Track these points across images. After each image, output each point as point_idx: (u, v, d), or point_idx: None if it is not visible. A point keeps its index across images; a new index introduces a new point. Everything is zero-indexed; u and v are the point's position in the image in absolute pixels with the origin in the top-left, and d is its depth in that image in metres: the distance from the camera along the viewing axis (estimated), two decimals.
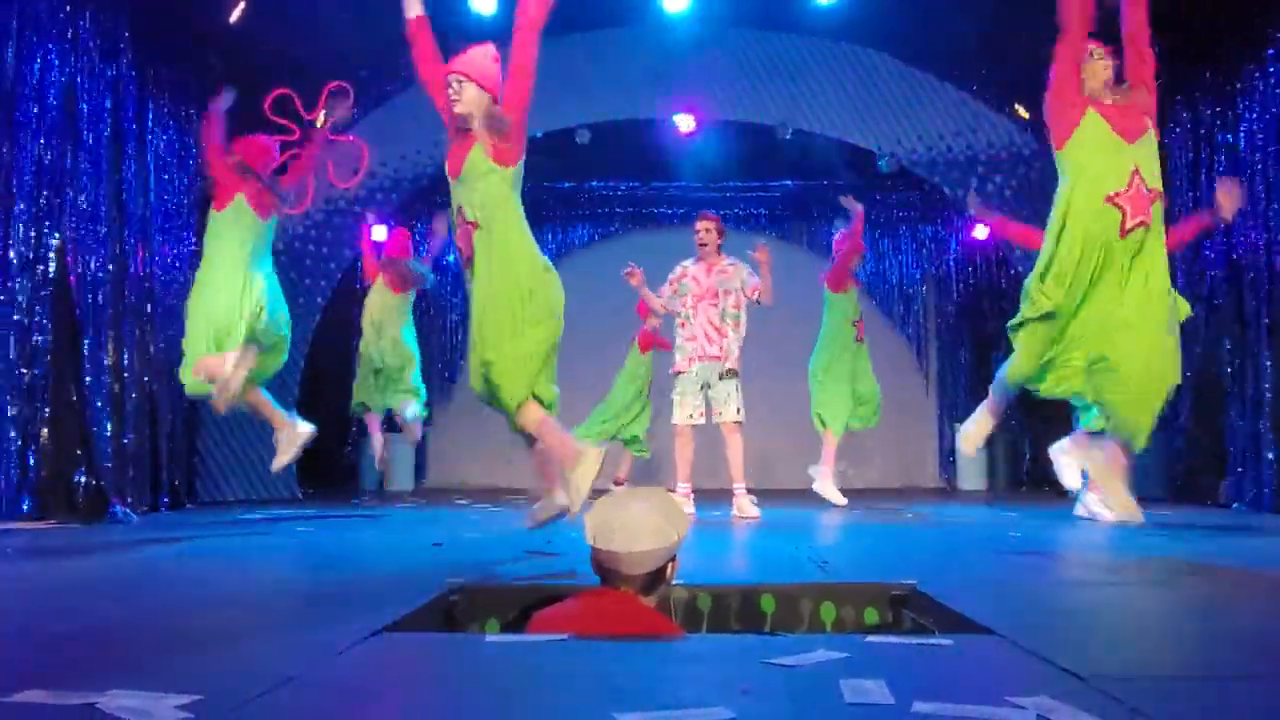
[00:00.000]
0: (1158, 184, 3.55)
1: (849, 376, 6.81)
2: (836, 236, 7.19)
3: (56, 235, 5.56)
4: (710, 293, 6.03)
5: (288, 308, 5.33)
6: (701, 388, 5.97)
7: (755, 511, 5.75)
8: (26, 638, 2.13)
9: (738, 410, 5.91)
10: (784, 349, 8.65)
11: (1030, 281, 3.70)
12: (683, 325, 6.05)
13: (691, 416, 5.94)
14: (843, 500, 6.67)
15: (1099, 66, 3.74)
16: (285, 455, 5.14)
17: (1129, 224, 3.47)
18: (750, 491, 5.93)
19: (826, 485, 6.75)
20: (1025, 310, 3.67)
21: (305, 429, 5.22)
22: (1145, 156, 3.56)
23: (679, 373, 6.01)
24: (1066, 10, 3.77)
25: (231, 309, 4.94)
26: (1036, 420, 9.74)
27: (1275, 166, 6.17)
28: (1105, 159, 3.55)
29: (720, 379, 5.93)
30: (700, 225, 6.14)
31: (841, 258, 6.86)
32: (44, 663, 1.82)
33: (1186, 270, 7.19)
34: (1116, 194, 3.49)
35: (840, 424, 6.79)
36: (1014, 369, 3.79)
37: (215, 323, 4.94)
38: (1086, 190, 3.55)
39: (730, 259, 6.15)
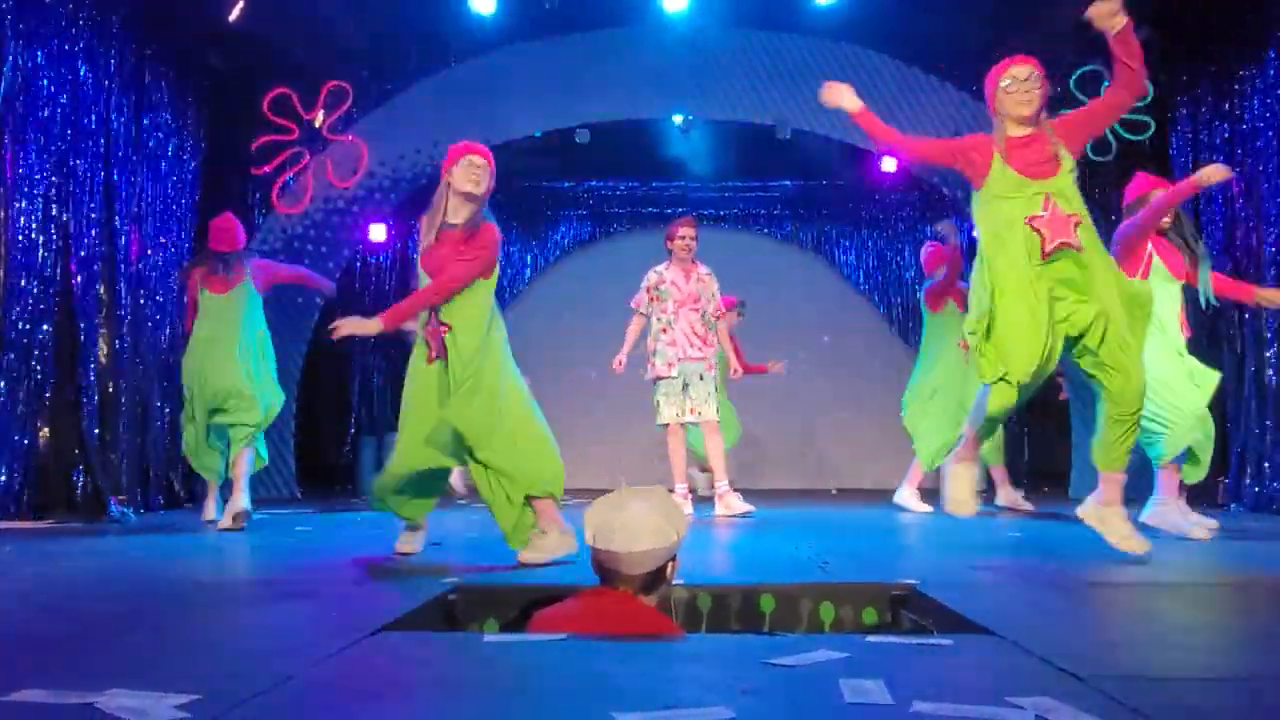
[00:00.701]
0: (1077, 208, 3.46)
1: (957, 404, 6.01)
2: (928, 250, 6.68)
3: (56, 235, 5.56)
4: (691, 298, 6.04)
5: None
6: (683, 388, 5.97)
7: (746, 506, 5.72)
8: (25, 637, 2.12)
9: (716, 410, 5.95)
10: (773, 350, 8.67)
11: (970, 326, 3.58)
12: (664, 330, 6.02)
13: (679, 415, 5.94)
14: (926, 508, 6.27)
15: (1020, 99, 3.58)
16: (226, 522, 5.02)
17: (1048, 247, 3.39)
18: (736, 490, 5.94)
19: (906, 494, 6.49)
20: (981, 369, 3.54)
21: (245, 513, 5.10)
22: (1059, 188, 3.47)
23: (660, 377, 5.98)
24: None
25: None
26: (1036, 419, 9.74)
27: (1276, 167, 6.18)
28: (1017, 196, 3.50)
29: (700, 379, 5.95)
30: (688, 231, 6.10)
31: (947, 276, 6.28)
32: (43, 662, 1.82)
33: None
34: (1033, 217, 3.42)
35: (930, 457, 6.30)
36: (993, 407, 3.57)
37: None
38: (1004, 222, 3.49)
39: (705, 268, 6.16)
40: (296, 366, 7.99)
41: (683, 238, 6.08)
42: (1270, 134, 6.24)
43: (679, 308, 6.02)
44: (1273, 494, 6.06)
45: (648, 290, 6.13)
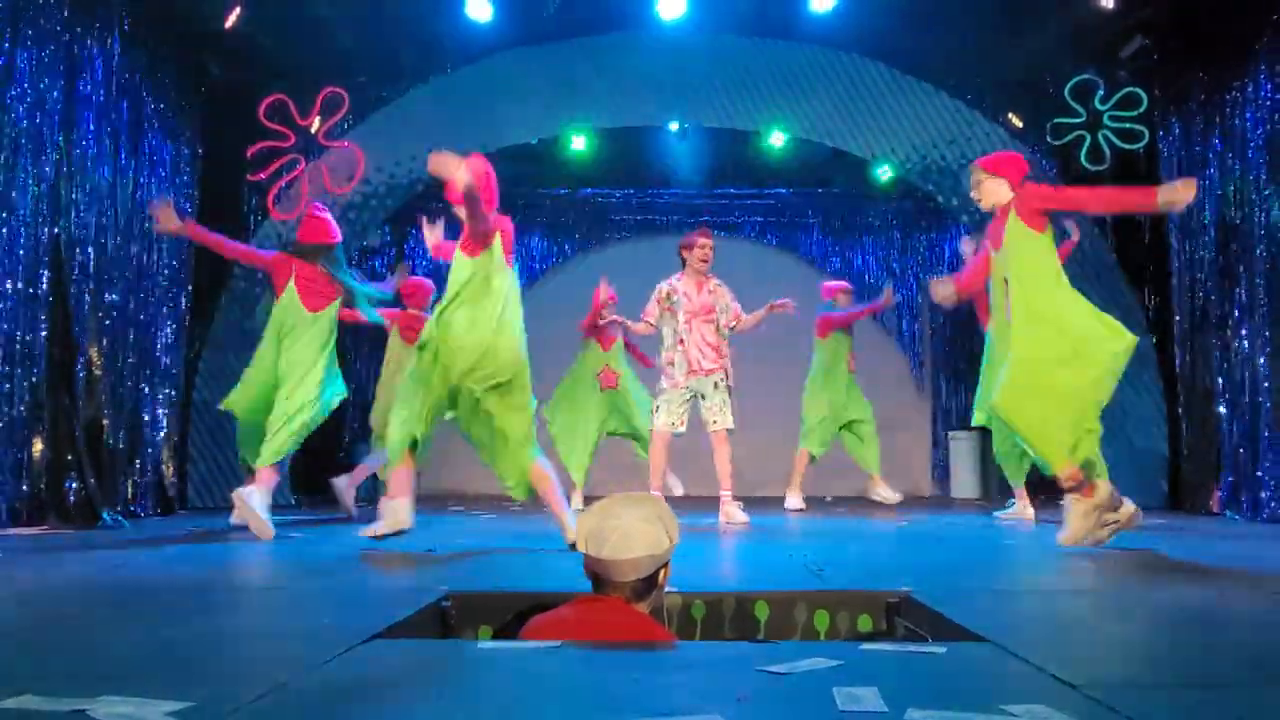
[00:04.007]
0: None
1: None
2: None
3: (51, 241, 5.55)
4: (705, 309, 6.05)
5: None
6: (691, 398, 6.00)
7: (744, 517, 5.81)
8: (18, 643, 2.12)
9: (731, 419, 5.97)
10: (773, 357, 8.68)
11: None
12: (680, 342, 6.02)
13: (674, 424, 5.96)
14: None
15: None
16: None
17: None
18: (738, 499, 5.99)
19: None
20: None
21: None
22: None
23: (676, 387, 6.00)
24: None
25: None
26: None
27: (1266, 174, 6.20)
28: None
29: (715, 389, 5.97)
30: (706, 242, 6.12)
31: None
32: (35, 668, 1.81)
33: (1180, 277, 7.22)
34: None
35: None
36: None
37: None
38: None
39: (716, 279, 6.19)
40: None
41: (701, 248, 6.10)
42: (1261, 140, 6.27)
43: (691, 319, 6.03)
44: (1265, 501, 6.08)
45: (658, 301, 6.14)
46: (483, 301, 4.01)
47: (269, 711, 1.50)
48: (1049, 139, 7.80)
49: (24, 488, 5.27)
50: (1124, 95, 7.51)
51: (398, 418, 4.05)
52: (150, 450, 6.61)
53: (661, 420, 5.96)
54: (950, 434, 10.12)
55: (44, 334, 5.47)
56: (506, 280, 4.11)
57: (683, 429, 6.00)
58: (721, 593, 2.88)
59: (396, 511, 4.07)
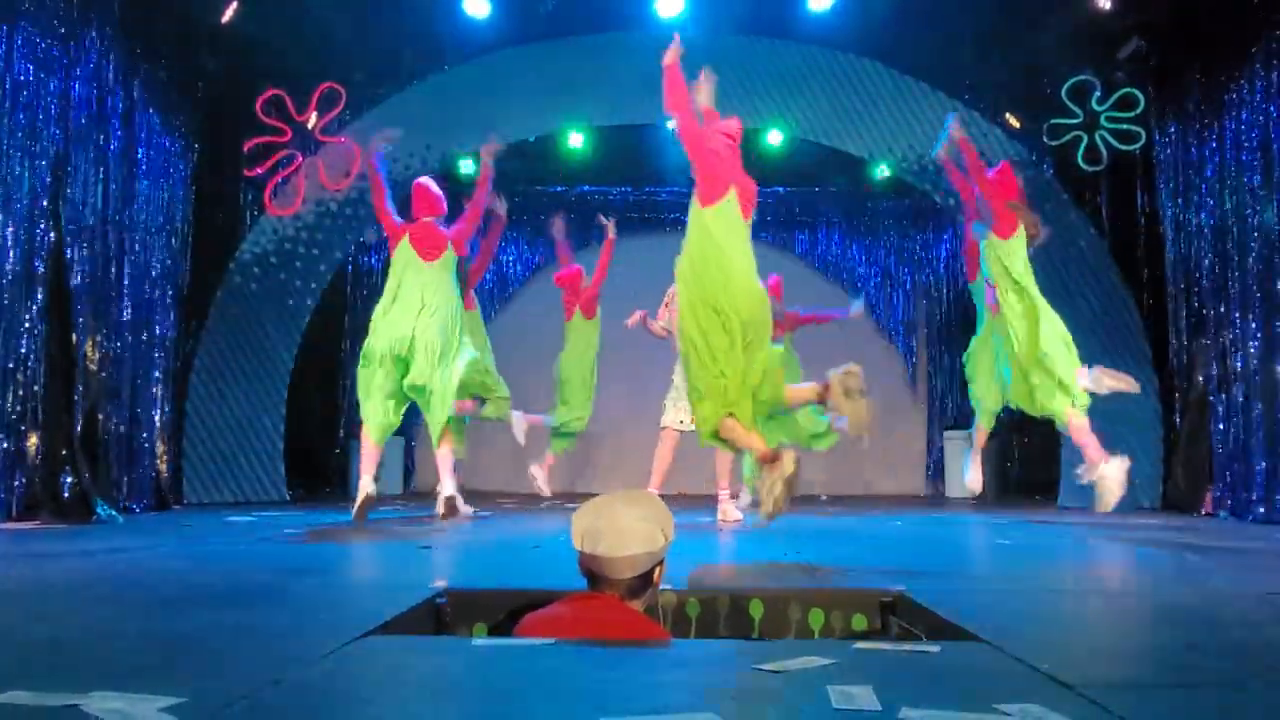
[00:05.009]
0: None
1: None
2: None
3: (50, 237, 5.53)
4: None
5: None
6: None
7: (739, 515, 5.83)
8: (11, 638, 2.11)
9: None
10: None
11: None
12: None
13: (683, 422, 5.96)
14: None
15: None
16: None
17: None
18: (734, 497, 6.01)
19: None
20: None
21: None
22: None
23: (674, 381, 6.04)
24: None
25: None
26: (1023, 428, 9.77)
27: (1261, 178, 6.22)
28: None
29: None
30: None
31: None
32: (28, 663, 1.81)
33: (1175, 278, 7.23)
34: None
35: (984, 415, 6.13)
36: None
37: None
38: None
39: None
40: (286, 368, 7.97)
41: None
42: (1256, 145, 6.28)
43: (674, 316, 6.08)
44: (1258, 502, 6.09)
45: (666, 304, 6.25)
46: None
47: (263, 707, 1.50)
48: (1046, 139, 7.81)
49: (18, 482, 5.26)
50: (1121, 96, 7.52)
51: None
52: (145, 445, 6.59)
53: (670, 417, 5.97)
54: (945, 433, 10.13)
55: (40, 329, 5.46)
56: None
57: (690, 428, 6.00)
58: (716, 591, 2.88)
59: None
